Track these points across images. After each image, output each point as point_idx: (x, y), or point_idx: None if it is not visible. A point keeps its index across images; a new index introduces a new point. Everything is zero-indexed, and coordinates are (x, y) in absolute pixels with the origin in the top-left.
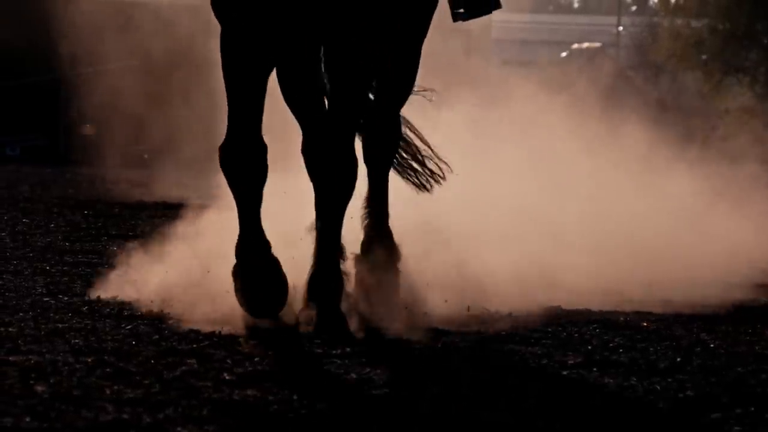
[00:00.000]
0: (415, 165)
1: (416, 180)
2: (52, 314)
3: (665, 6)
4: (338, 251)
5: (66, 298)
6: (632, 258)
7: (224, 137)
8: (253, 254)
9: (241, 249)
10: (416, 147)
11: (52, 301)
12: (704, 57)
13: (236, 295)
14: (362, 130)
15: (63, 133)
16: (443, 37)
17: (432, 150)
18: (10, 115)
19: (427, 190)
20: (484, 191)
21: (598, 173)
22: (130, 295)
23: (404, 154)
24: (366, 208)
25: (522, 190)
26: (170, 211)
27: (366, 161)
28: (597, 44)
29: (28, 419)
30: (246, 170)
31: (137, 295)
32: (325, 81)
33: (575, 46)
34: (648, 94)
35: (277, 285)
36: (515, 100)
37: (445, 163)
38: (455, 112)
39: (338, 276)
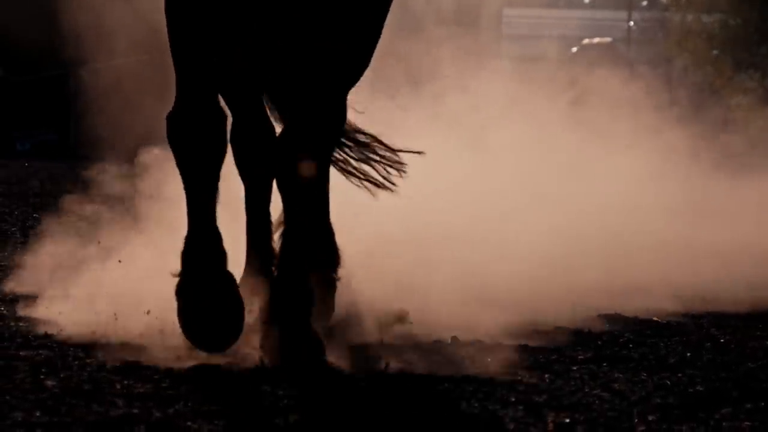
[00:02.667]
0: (364, 166)
1: (367, 181)
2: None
3: (676, 1)
4: (306, 257)
5: None
6: (645, 253)
7: (173, 104)
8: (203, 265)
9: (187, 257)
10: (371, 146)
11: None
12: (715, 52)
13: (178, 319)
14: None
15: (73, 128)
16: (451, 33)
17: (386, 147)
18: (21, 110)
19: (382, 187)
20: (496, 190)
21: (609, 165)
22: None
23: (352, 154)
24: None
25: (535, 189)
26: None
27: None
28: (608, 39)
29: (38, 413)
30: (200, 144)
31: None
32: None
33: (586, 41)
34: (659, 89)
35: (231, 310)
36: (524, 99)
37: (395, 166)
38: (463, 109)
39: (306, 290)
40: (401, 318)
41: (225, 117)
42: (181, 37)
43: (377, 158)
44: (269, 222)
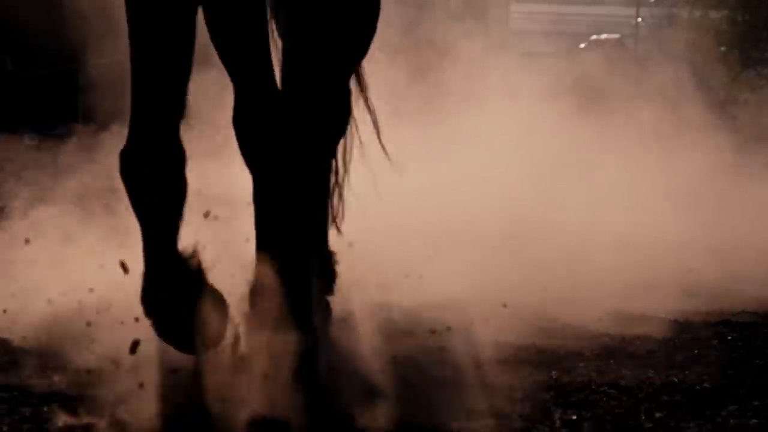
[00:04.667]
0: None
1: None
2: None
3: None
4: (309, 266)
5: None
6: (652, 250)
7: (127, 137)
8: (160, 310)
9: (146, 298)
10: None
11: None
12: (723, 48)
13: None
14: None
15: (82, 122)
16: (459, 28)
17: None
18: (29, 104)
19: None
20: (500, 186)
21: (614, 162)
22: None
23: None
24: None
25: (540, 186)
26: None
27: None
28: (615, 36)
29: None
30: (157, 187)
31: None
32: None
33: (594, 37)
34: (667, 85)
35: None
36: (532, 96)
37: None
38: (471, 107)
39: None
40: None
41: (185, 157)
42: (141, 53)
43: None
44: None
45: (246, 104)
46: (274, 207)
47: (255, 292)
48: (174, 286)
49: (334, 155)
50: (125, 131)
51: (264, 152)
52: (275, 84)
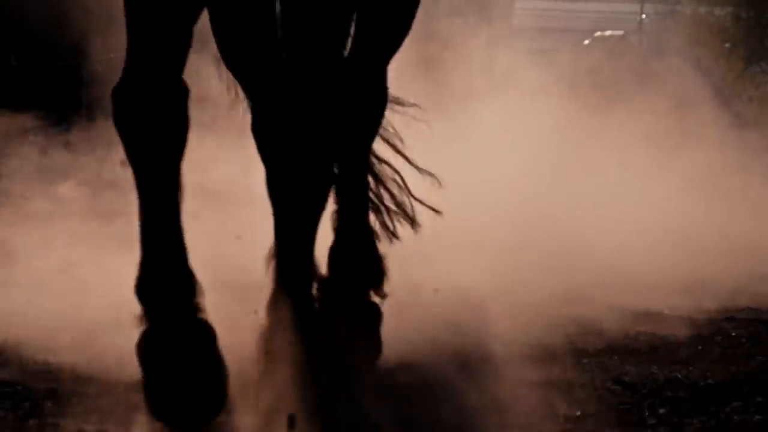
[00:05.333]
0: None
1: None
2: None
3: None
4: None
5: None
6: (657, 246)
7: (122, 72)
8: (166, 306)
9: (142, 289)
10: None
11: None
12: (727, 45)
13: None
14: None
15: (84, 115)
16: (462, 24)
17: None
18: (33, 99)
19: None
20: (508, 181)
21: (619, 157)
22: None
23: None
24: (337, 207)
25: (546, 180)
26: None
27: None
28: (620, 32)
29: None
30: (156, 127)
31: None
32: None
33: (598, 33)
34: (671, 81)
35: (208, 378)
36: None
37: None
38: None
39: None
40: None
41: (187, 92)
42: None
43: (386, 207)
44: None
45: (265, 114)
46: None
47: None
48: (180, 285)
49: (371, 143)
50: None
51: (289, 157)
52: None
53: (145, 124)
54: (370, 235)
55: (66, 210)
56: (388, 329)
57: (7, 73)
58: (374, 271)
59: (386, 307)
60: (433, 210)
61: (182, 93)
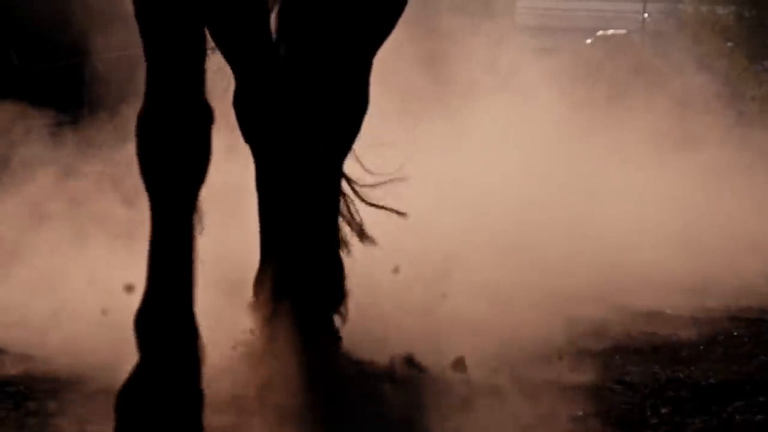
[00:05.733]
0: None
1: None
2: None
3: None
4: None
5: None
6: (659, 246)
7: (144, 99)
8: (167, 338)
9: (143, 319)
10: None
11: None
12: (730, 44)
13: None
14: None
15: (87, 116)
16: (465, 23)
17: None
18: (37, 97)
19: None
20: (514, 184)
21: (621, 158)
22: None
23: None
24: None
25: (550, 183)
26: None
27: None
28: (622, 31)
29: None
30: (181, 156)
31: None
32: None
33: (600, 32)
34: (674, 80)
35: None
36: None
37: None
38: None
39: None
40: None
41: (212, 113)
42: None
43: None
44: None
45: (248, 88)
46: (278, 199)
47: (260, 286)
48: (182, 321)
49: (346, 152)
50: (130, 126)
51: (269, 137)
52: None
53: (172, 155)
54: (335, 252)
55: (68, 209)
56: (386, 328)
57: (9, 72)
58: (335, 291)
59: (387, 302)
60: (396, 212)
61: (207, 119)
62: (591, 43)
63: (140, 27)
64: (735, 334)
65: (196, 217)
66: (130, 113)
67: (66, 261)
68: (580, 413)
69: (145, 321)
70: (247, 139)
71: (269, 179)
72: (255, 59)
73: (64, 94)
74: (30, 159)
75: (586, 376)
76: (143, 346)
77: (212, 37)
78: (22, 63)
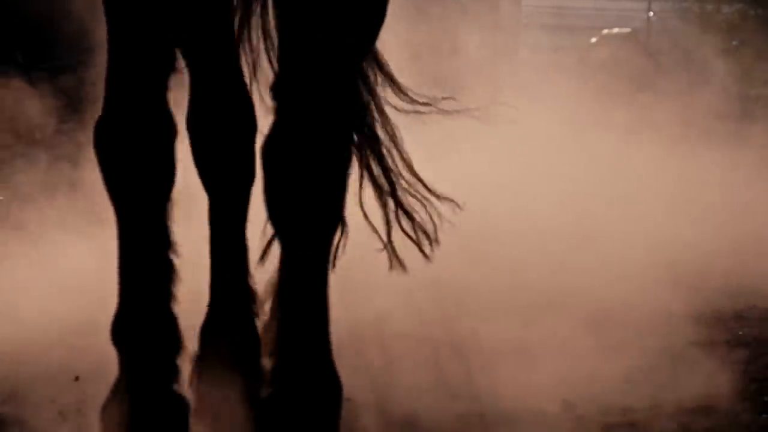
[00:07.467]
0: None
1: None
2: None
3: None
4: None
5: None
6: (672, 246)
7: (102, 106)
8: (140, 364)
9: (118, 333)
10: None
11: None
12: (735, 42)
13: None
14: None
15: (90, 113)
16: (470, 23)
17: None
18: (40, 96)
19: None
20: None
21: (628, 157)
22: None
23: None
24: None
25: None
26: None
27: (266, 165)
28: (627, 30)
29: None
30: (143, 168)
31: None
32: None
33: (605, 31)
34: (678, 79)
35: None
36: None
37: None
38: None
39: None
40: None
41: (175, 124)
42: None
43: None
44: (244, 250)
45: (205, 100)
46: (235, 233)
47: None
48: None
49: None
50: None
51: (227, 166)
52: (242, 74)
53: (133, 165)
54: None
55: (71, 209)
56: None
57: (14, 70)
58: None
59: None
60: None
61: (171, 128)
62: (596, 41)
63: (108, 27)
64: (740, 333)
65: (169, 225)
66: None
67: (70, 260)
68: (582, 412)
69: (121, 331)
70: (202, 169)
71: (228, 218)
72: (218, 67)
73: (68, 92)
74: (35, 158)
75: (588, 372)
76: (122, 359)
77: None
78: (27, 61)
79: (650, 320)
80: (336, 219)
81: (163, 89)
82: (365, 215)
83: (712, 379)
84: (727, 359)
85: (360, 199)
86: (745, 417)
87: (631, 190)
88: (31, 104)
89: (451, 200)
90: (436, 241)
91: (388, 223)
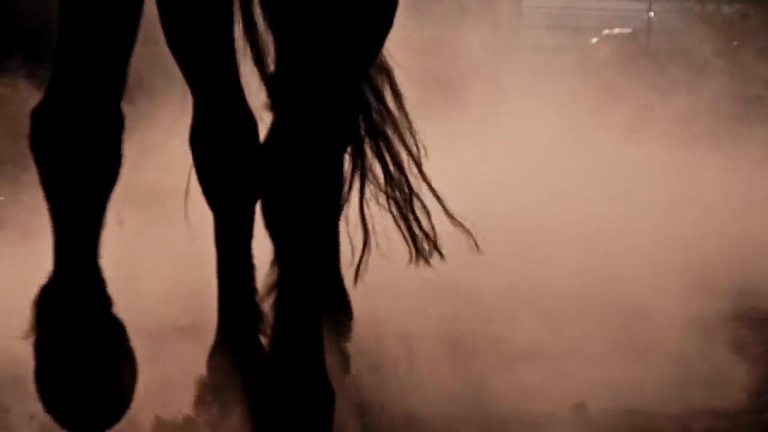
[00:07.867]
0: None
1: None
2: None
3: None
4: (313, 318)
5: None
6: (675, 246)
7: (44, 93)
8: (71, 317)
9: (44, 305)
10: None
11: None
12: (735, 43)
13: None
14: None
15: None
16: (468, 22)
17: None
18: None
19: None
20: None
21: (630, 159)
22: None
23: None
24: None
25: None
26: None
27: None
28: (627, 30)
29: None
30: (80, 158)
31: None
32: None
33: (606, 32)
34: (679, 80)
35: (112, 386)
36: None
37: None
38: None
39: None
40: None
41: (123, 120)
42: None
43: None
44: (251, 267)
45: (208, 121)
46: (241, 250)
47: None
48: (88, 302)
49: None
50: (139, 118)
51: (230, 183)
52: (243, 97)
53: (68, 158)
54: (339, 276)
55: None
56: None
57: (16, 70)
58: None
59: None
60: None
61: (117, 123)
62: (596, 42)
63: (61, 13)
64: (741, 333)
65: (104, 221)
66: (144, 101)
67: None
68: (584, 410)
69: (48, 298)
70: (207, 187)
71: (234, 236)
72: (221, 90)
73: None
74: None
75: (591, 372)
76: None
77: (170, 44)
78: (29, 61)
79: (651, 321)
80: (329, 225)
81: (114, 83)
82: (363, 215)
83: (712, 378)
84: (729, 358)
85: (361, 200)
86: (747, 417)
87: (631, 190)
88: (33, 104)
89: (457, 221)
90: (439, 247)
91: (405, 219)
